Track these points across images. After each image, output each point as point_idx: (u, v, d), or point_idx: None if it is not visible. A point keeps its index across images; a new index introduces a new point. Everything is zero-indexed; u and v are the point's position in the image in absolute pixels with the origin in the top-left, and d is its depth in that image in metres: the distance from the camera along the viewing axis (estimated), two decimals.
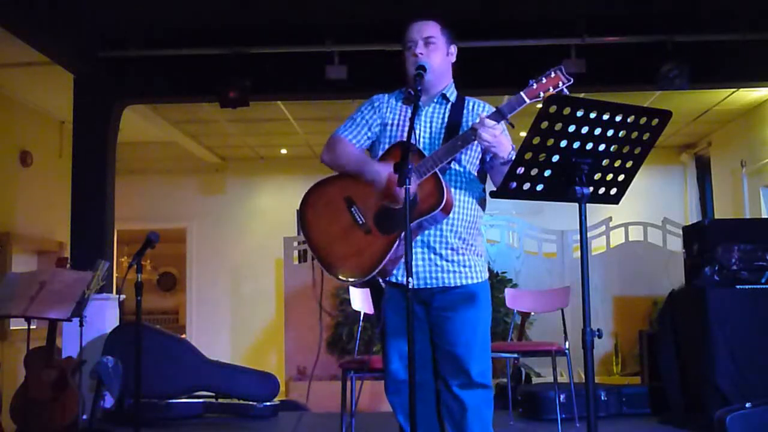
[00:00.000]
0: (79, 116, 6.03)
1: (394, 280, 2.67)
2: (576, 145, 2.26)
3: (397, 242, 2.56)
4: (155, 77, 6.08)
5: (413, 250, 2.66)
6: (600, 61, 5.61)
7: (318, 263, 2.71)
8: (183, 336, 8.77)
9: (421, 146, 2.70)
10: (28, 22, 5.16)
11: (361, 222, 2.65)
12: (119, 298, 5.86)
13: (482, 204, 2.82)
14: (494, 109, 2.65)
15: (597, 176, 2.35)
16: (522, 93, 2.57)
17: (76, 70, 5.93)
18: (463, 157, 2.70)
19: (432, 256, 2.69)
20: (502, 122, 2.56)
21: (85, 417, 4.81)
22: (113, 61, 5.91)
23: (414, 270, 2.66)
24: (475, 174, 2.78)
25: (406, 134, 2.50)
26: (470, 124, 2.74)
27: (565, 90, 2.56)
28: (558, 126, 2.21)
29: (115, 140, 6.13)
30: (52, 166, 7.56)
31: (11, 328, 6.62)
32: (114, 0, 5.38)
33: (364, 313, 4.64)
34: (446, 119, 2.77)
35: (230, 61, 5.76)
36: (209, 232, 9.65)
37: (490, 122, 2.52)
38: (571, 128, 2.22)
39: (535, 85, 2.56)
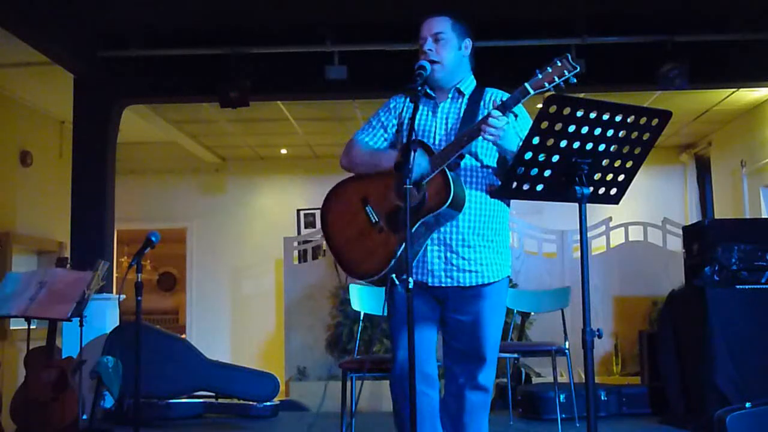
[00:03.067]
0: (79, 116, 6.03)
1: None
2: (576, 145, 2.26)
3: (410, 239, 2.56)
4: (155, 77, 6.08)
5: (430, 248, 2.67)
6: (600, 61, 5.60)
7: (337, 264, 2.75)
8: (183, 336, 8.77)
9: (437, 143, 2.69)
10: (28, 22, 5.16)
11: (374, 221, 2.67)
12: (119, 298, 5.86)
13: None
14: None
15: (597, 176, 2.35)
16: (527, 84, 2.48)
17: (76, 70, 5.93)
18: (479, 150, 2.68)
19: (449, 254, 2.67)
20: (508, 115, 2.49)
21: (85, 417, 4.81)
22: (113, 61, 5.92)
23: (430, 268, 2.68)
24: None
25: (422, 133, 2.57)
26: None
27: (573, 78, 2.47)
28: (558, 126, 2.21)
29: (115, 140, 6.13)
30: (52, 166, 7.56)
31: (11, 328, 6.62)
32: (114, 0, 5.38)
33: (364, 313, 4.64)
34: (461, 114, 2.74)
35: (230, 61, 5.76)
36: (209, 232, 9.64)
37: (494, 114, 2.45)
38: (571, 128, 2.22)
39: (540, 76, 2.48)
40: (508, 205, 2.80)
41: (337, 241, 2.76)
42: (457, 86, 2.78)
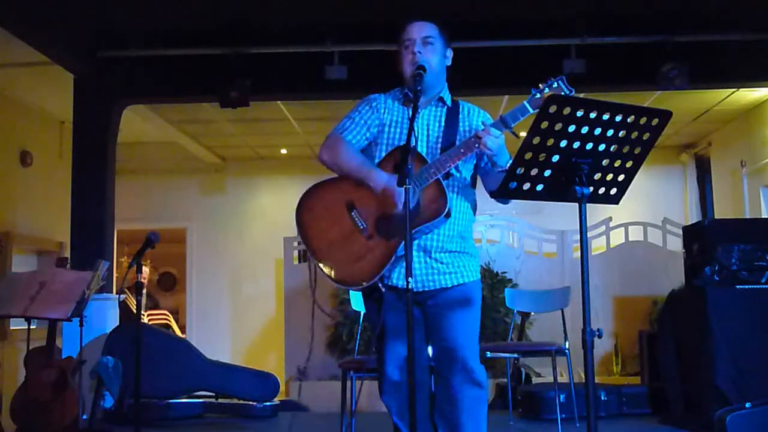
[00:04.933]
0: (79, 116, 6.03)
1: (390, 283, 2.67)
2: (576, 145, 2.26)
3: (398, 247, 2.57)
4: (155, 77, 6.08)
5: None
6: (600, 61, 5.61)
7: (316, 266, 2.71)
8: (183, 336, 8.77)
9: (419, 149, 2.69)
10: (28, 22, 5.16)
11: (362, 227, 2.65)
12: (119, 298, 5.86)
13: (474, 209, 2.85)
14: (487, 117, 2.69)
15: (597, 176, 2.35)
16: (526, 103, 2.60)
17: (76, 70, 5.93)
18: (459, 162, 2.70)
19: (428, 259, 2.70)
20: (505, 131, 2.59)
21: (85, 417, 4.81)
22: (113, 61, 5.91)
23: (412, 273, 2.66)
24: (470, 179, 2.80)
25: (405, 135, 2.51)
26: (466, 128, 2.78)
27: None
28: (558, 126, 2.21)
29: (115, 140, 6.13)
30: (52, 166, 7.56)
31: (11, 328, 6.62)
32: (114, 0, 5.38)
33: (364, 314, 4.63)
34: (443, 123, 2.78)
35: (230, 61, 5.76)
36: (209, 232, 9.64)
37: (495, 131, 2.55)
38: (571, 128, 2.22)
39: (538, 95, 2.60)
40: (475, 215, 2.86)
41: (318, 244, 2.72)
42: (440, 95, 2.81)
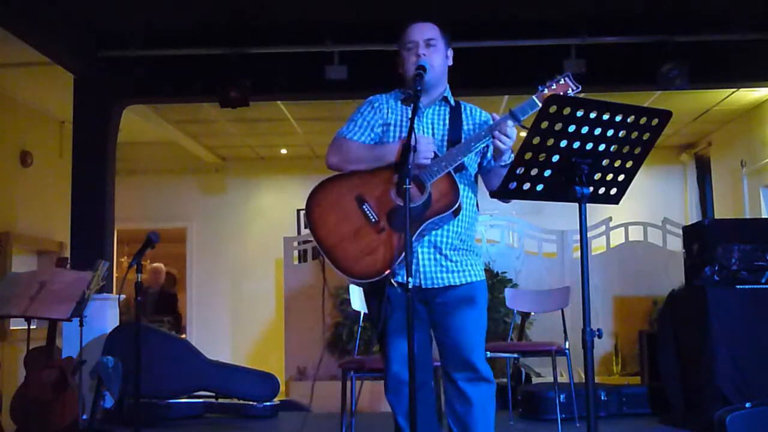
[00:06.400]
0: (79, 116, 6.03)
1: (400, 279, 2.64)
2: (576, 145, 2.26)
3: (411, 240, 2.56)
4: (155, 77, 6.08)
5: (420, 250, 2.68)
6: (600, 61, 5.61)
7: (327, 262, 2.68)
8: (183, 336, 8.77)
9: None
10: (28, 22, 5.16)
11: (374, 220, 2.63)
12: (119, 298, 5.86)
13: (477, 206, 2.86)
14: (493, 114, 2.71)
15: (597, 176, 2.35)
16: (534, 97, 2.63)
17: (76, 70, 5.93)
18: (465, 159, 2.71)
19: (438, 256, 2.70)
20: (515, 124, 2.62)
21: (85, 417, 4.81)
22: (113, 61, 5.92)
23: (421, 270, 2.69)
24: (473, 176, 2.82)
25: (405, 136, 2.51)
26: (470, 126, 2.80)
27: None
28: (558, 126, 2.21)
29: (115, 140, 6.13)
30: (52, 166, 7.56)
31: (11, 328, 6.62)
32: (114, 0, 5.38)
33: (364, 313, 4.64)
34: (447, 121, 2.79)
35: (230, 61, 5.76)
36: (209, 232, 9.64)
37: (510, 123, 2.58)
38: (571, 128, 2.22)
39: (546, 91, 2.63)
40: (478, 212, 2.88)
41: (329, 240, 2.69)
42: (444, 94, 2.84)
